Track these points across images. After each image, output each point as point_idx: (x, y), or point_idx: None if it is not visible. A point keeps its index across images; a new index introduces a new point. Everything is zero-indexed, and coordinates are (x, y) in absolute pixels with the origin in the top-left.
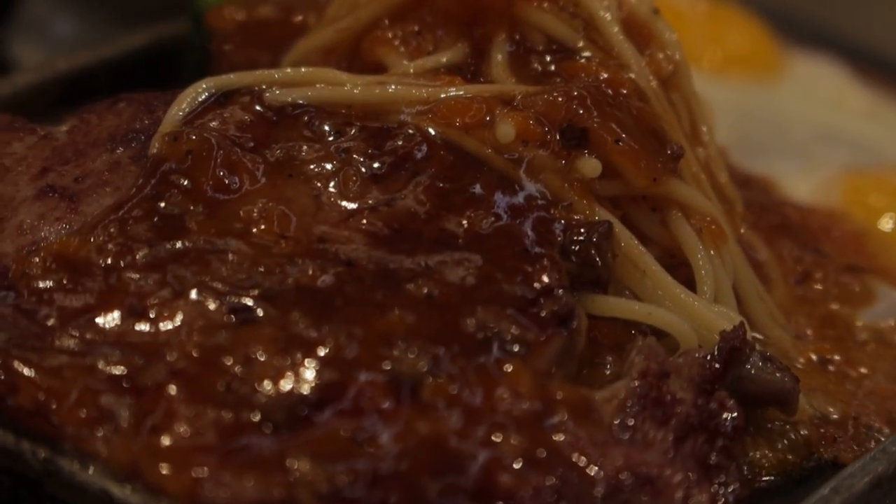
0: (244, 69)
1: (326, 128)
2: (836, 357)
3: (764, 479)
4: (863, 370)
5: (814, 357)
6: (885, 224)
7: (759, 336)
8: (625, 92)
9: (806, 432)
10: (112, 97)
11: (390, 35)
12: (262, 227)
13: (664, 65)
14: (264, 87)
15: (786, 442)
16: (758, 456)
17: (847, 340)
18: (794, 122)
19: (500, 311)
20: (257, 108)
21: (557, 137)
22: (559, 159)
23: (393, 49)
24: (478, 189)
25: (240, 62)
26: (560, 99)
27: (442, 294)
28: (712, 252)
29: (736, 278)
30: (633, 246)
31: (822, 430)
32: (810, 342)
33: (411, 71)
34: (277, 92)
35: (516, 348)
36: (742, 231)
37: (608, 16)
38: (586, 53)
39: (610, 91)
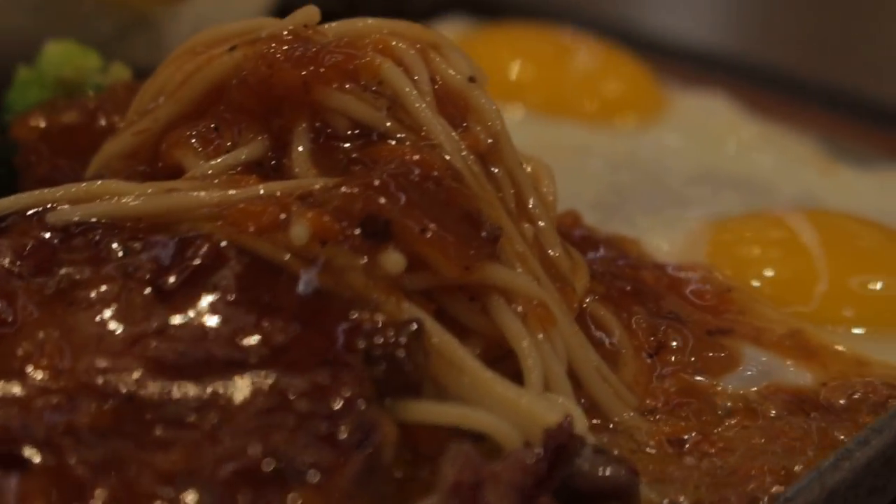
0: (50, 181)
1: (113, 245)
2: (693, 436)
3: None
4: (721, 447)
5: (668, 438)
6: (753, 277)
7: (599, 421)
8: (436, 174)
9: None
10: None
11: (188, 135)
12: (38, 364)
13: (482, 137)
14: (47, 206)
15: None
16: None
17: (707, 414)
18: (670, 169)
19: (294, 435)
20: (38, 230)
21: (358, 232)
22: (361, 256)
23: (190, 150)
24: (273, 298)
25: (46, 173)
26: (357, 190)
27: (228, 424)
28: (540, 337)
29: (573, 361)
30: (448, 342)
31: None
32: (664, 421)
33: (209, 172)
34: (60, 211)
35: (311, 476)
36: (587, 304)
37: (414, 92)
38: (400, 135)
39: (418, 174)
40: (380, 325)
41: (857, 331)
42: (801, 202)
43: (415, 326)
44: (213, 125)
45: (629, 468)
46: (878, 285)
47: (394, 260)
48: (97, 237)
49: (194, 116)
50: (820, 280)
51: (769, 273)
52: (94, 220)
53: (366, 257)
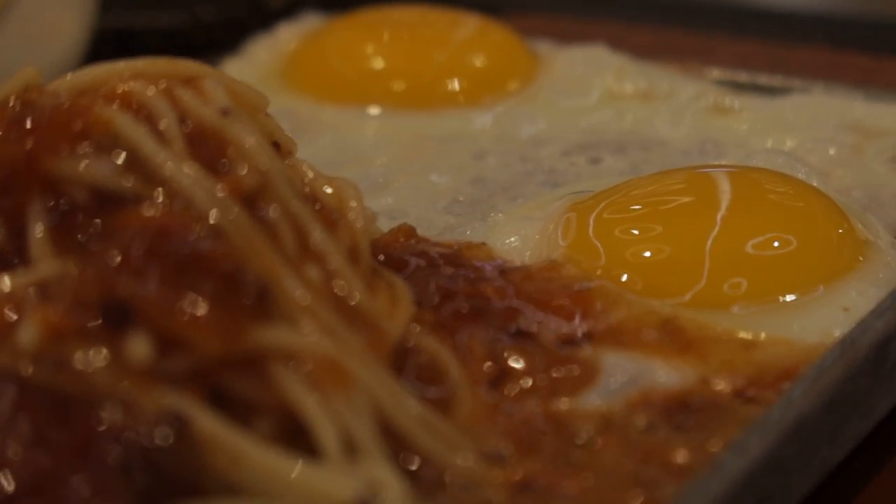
0: None
1: None
2: (546, 475)
3: None
4: (581, 484)
5: (517, 483)
6: (617, 266)
7: (437, 475)
8: (188, 235)
9: None
10: None
11: None
12: None
13: (247, 179)
14: None
15: None
16: None
17: (562, 444)
18: (546, 141)
19: None
20: None
21: (98, 321)
22: (102, 349)
23: None
24: (12, 419)
25: None
26: (91, 274)
27: None
28: (335, 398)
29: (386, 414)
30: (219, 431)
31: None
32: (511, 463)
33: None
34: None
35: None
36: (411, 340)
37: (150, 143)
38: (149, 194)
39: (166, 241)
40: (135, 425)
41: (748, 307)
42: (695, 155)
43: (174, 421)
44: None
45: None
46: (766, 250)
47: (138, 347)
48: None
49: None
50: (703, 255)
51: (644, 254)
52: None
53: (108, 349)
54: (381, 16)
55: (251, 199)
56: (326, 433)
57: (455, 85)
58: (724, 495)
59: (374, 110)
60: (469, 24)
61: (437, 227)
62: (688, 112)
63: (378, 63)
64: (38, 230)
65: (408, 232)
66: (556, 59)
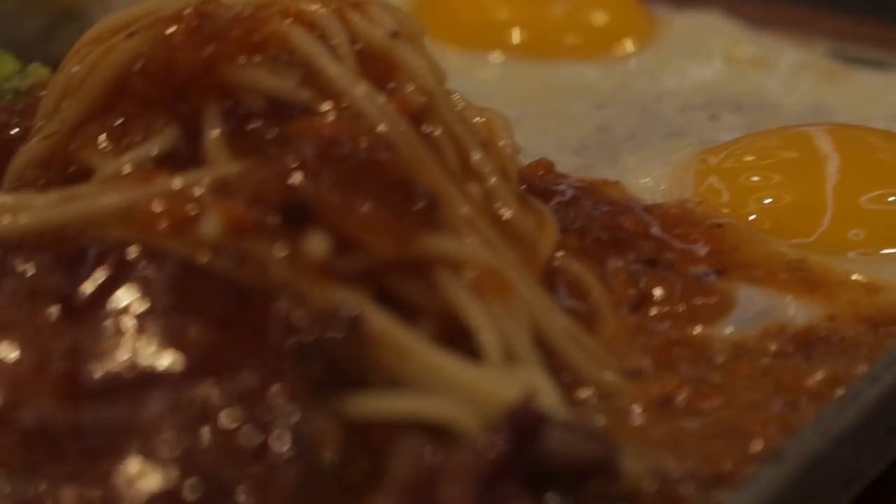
0: None
1: (13, 266)
2: (683, 393)
3: None
4: (718, 402)
5: (657, 399)
6: (747, 207)
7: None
8: (362, 145)
9: (641, 500)
10: None
11: (94, 134)
12: None
13: (414, 97)
14: None
15: None
16: None
17: (699, 368)
18: (666, 96)
19: (222, 452)
20: None
21: (278, 219)
22: (282, 244)
23: (97, 149)
24: (192, 301)
25: None
26: (272, 174)
27: (149, 447)
28: (497, 307)
29: (539, 327)
30: (390, 327)
31: (664, 491)
32: (652, 381)
33: (119, 169)
34: None
35: (242, 497)
36: (557, 262)
37: (327, 57)
38: (320, 106)
39: (341, 148)
40: (311, 317)
41: (867, 255)
42: (808, 119)
43: (348, 316)
44: (119, 120)
45: (604, 441)
46: (881, 203)
47: (317, 244)
48: (3, 257)
49: (101, 113)
50: (824, 203)
51: (766, 201)
52: None
53: (287, 245)
54: None
55: (417, 118)
56: (488, 338)
57: (575, 39)
58: (856, 421)
59: (495, 57)
60: None
61: (567, 167)
62: (800, 79)
63: (502, 12)
64: (213, 133)
65: (546, 166)
66: (673, 22)
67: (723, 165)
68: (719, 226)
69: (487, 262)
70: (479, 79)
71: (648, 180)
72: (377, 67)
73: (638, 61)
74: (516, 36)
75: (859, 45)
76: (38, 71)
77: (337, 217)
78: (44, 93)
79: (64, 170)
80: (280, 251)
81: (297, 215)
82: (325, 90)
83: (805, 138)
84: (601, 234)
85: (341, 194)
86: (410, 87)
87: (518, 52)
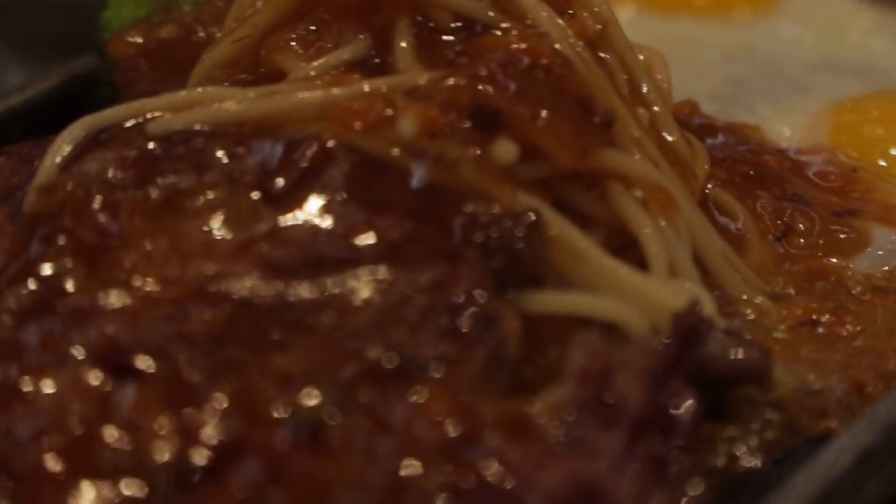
0: (152, 96)
1: (216, 152)
2: (825, 317)
3: (743, 464)
4: (856, 327)
5: (799, 320)
6: (879, 154)
7: (728, 306)
8: (544, 62)
9: (788, 408)
10: None
11: (288, 38)
12: (147, 275)
13: (590, 24)
14: (147, 117)
15: (766, 421)
16: (734, 442)
17: (838, 295)
18: (789, 57)
19: (414, 330)
20: (140, 141)
21: (468, 124)
22: (472, 148)
23: (290, 52)
24: (385, 195)
25: (147, 89)
26: (465, 81)
27: (346, 323)
28: (663, 223)
29: (698, 246)
30: (568, 231)
31: (808, 403)
32: (794, 303)
33: (311, 73)
34: (161, 121)
35: (434, 369)
36: (709, 190)
37: None
38: (504, 25)
39: (526, 63)
40: (495, 216)
41: None
42: None
43: (532, 216)
44: (312, 27)
45: (761, 349)
46: None
47: (506, 149)
48: (200, 145)
49: (292, 20)
50: None
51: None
52: (195, 127)
53: (477, 148)
54: None
55: (593, 44)
56: (656, 249)
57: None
58: None
59: (627, 9)
60: None
61: (705, 111)
62: None
63: None
64: (404, 43)
65: (692, 106)
66: None
67: (856, 117)
68: (854, 170)
69: (657, 180)
70: None
71: (785, 127)
72: None
73: (759, 24)
74: None
75: None
76: None
77: (523, 125)
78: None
79: (252, 71)
80: (469, 152)
81: (486, 122)
82: (510, 11)
83: None
84: (746, 170)
85: (528, 104)
86: (587, 15)
87: (648, 6)
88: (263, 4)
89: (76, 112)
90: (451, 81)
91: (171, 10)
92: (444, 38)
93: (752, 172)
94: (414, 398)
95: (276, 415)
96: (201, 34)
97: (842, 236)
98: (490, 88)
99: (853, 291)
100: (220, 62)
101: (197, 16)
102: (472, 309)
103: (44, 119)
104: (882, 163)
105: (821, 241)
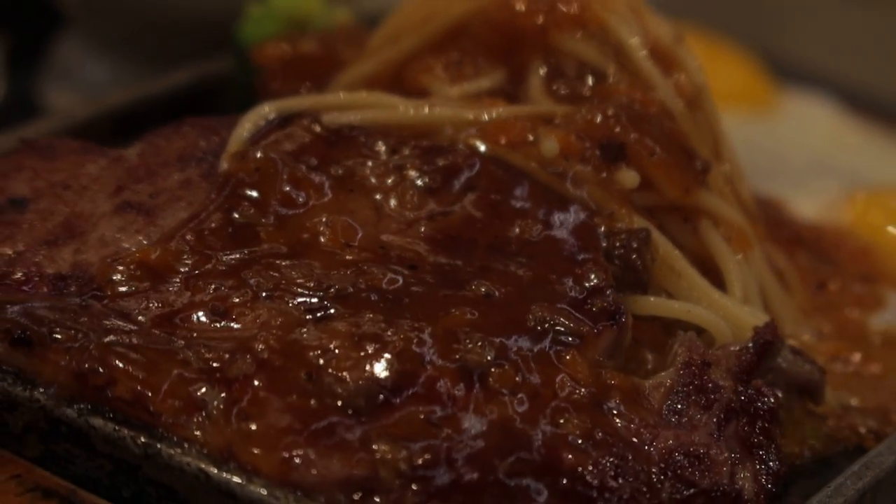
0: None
1: (381, 146)
2: (854, 356)
3: (798, 461)
4: (882, 367)
5: (832, 356)
6: (889, 237)
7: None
8: (655, 111)
9: (832, 422)
10: (175, 122)
11: (434, 63)
12: (329, 236)
13: (688, 87)
14: (322, 110)
15: (816, 429)
16: (786, 443)
17: (862, 342)
18: (791, 153)
19: (555, 307)
20: (316, 129)
21: (597, 153)
22: (600, 172)
23: (436, 76)
24: (525, 200)
25: (284, 95)
26: (599, 117)
27: (500, 293)
28: (740, 258)
29: (761, 283)
30: (670, 250)
31: (846, 420)
32: (829, 342)
33: (454, 95)
34: (334, 115)
35: (571, 340)
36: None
37: (636, 41)
38: (616, 78)
39: (642, 110)
40: (617, 229)
41: None
42: None
43: (645, 234)
44: (456, 57)
45: (819, 368)
46: None
47: (630, 177)
48: (367, 139)
49: (435, 49)
50: None
51: None
52: (362, 124)
53: (604, 174)
54: None
55: (688, 105)
56: (737, 280)
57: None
58: None
59: None
60: (719, 48)
61: None
62: None
63: None
64: (536, 80)
65: None
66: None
67: (867, 205)
68: (869, 248)
69: (740, 222)
70: None
71: (806, 205)
72: (659, 61)
73: (757, 124)
74: None
75: None
76: (342, 14)
77: (642, 159)
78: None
79: (391, 90)
80: (598, 175)
81: (613, 152)
82: (626, 66)
83: None
84: (786, 232)
85: (647, 143)
86: (684, 79)
87: None
88: (408, 33)
89: (209, 108)
90: (586, 115)
91: (304, 29)
92: (568, 81)
93: (788, 235)
94: (559, 359)
95: (449, 357)
96: (340, 55)
97: (864, 296)
98: (617, 125)
99: (873, 342)
100: (363, 78)
101: (335, 36)
102: (604, 298)
103: (178, 108)
104: (891, 241)
105: (848, 297)
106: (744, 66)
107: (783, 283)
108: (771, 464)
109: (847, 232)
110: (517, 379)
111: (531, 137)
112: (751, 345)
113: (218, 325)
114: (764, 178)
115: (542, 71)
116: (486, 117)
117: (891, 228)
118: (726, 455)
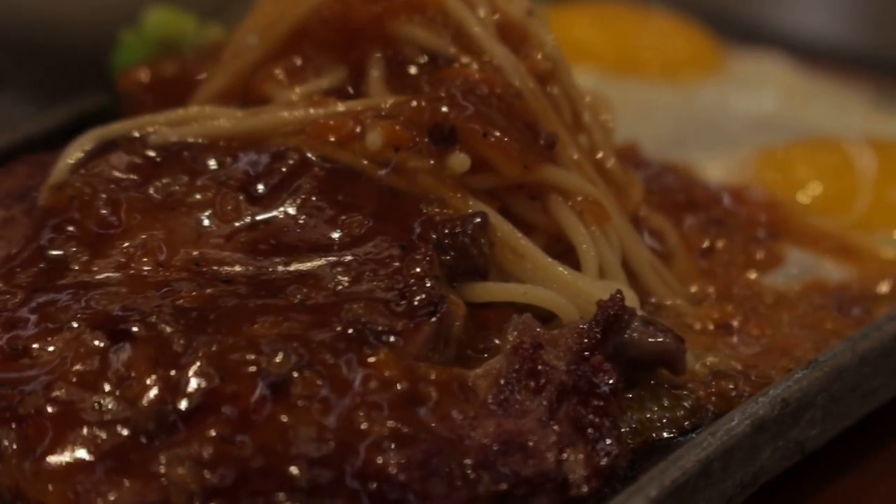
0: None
1: (208, 161)
2: (737, 319)
3: (655, 435)
4: (765, 331)
5: (715, 322)
6: (800, 193)
7: (651, 307)
8: (498, 91)
9: (701, 391)
10: (11, 162)
11: (275, 71)
12: (143, 258)
13: (541, 63)
14: (148, 131)
15: (676, 401)
16: (647, 416)
17: (752, 304)
18: (731, 116)
19: (372, 305)
20: (142, 150)
21: (426, 140)
22: (430, 159)
23: (276, 82)
24: (353, 198)
25: None
26: (424, 103)
27: (315, 297)
28: (595, 231)
29: (627, 254)
30: (510, 233)
31: (716, 387)
32: (711, 308)
33: (294, 99)
34: (160, 133)
35: (388, 338)
36: (642, 213)
37: (476, 22)
38: (465, 60)
39: (483, 91)
40: (448, 218)
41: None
42: None
43: (479, 219)
44: (297, 61)
45: (675, 336)
46: None
47: (459, 160)
48: (194, 154)
49: (279, 55)
50: (866, 193)
51: (816, 189)
52: (190, 140)
53: (434, 160)
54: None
55: (542, 79)
56: (589, 253)
57: (657, 63)
58: (878, 344)
59: (590, 74)
60: (673, 20)
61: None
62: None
63: (599, 37)
64: (376, 73)
65: (633, 146)
66: (738, 57)
67: (777, 161)
68: (775, 203)
69: (591, 193)
70: None
71: (716, 169)
72: (512, 36)
73: (705, 89)
74: (606, 57)
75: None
76: (215, 31)
77: (475, 141)
78: (213, 45)
79: (243, 103)
80: (426, 163)
81: (443, 137)
82: (470, 48)
83: (847, 144)
84: (678, 197)
85: (480, 123)
86: (539, 54)
87: (606, 70)
88: (257, 41)
89: None
90: (413, 104)
91: (175, 53)
92: (411, 70)
93: (682, 200)
94: (369, 360)
95: (248, 370)
96: (199, 74)
97: (759, 256)
98: (447, 108)
99: (765, 302)
100: (215, 94)
101: (196, 57)
102: (421, 291)
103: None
104: (803, 200)
105: (739, 259)
106: (690, 33)
107: (665, 252)
108: (607, 443)
109: (753, 188)
110: (320, 385)
111: (360, 132)
112: (593, 320)
113: (14, 363)
114: (688, 147)
115: (383, 63)
116: (312, 117)
117: (798, 181)
118: (554, 440)
